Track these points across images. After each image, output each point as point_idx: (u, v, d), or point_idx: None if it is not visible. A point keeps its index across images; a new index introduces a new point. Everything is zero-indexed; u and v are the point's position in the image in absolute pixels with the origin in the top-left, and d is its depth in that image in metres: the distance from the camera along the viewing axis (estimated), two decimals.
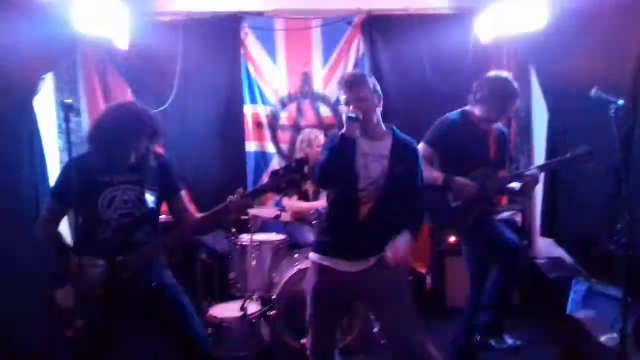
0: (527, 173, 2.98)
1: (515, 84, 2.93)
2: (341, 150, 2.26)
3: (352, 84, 2.33)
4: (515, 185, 2.99)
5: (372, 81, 2.38)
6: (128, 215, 2.24)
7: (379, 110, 2.39)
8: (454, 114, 3.00)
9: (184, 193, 2.44)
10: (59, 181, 2.29)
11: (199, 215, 2.40)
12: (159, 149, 4.08)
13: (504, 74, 2.99)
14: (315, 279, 2.39)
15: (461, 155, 2.90)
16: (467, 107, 3.01)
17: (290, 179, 2.19)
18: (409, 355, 2.31)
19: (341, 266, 2.33)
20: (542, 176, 3.17)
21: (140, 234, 2.25)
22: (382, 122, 2.41)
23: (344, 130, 2.28)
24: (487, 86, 2.91)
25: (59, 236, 2.29)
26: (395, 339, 2.37)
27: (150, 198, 2.26)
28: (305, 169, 2.21)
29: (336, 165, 2.28)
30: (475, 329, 3.04)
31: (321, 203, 3.81)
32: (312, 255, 2.44)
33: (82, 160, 2.25)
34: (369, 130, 2.37)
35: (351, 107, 2.30)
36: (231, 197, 2.22)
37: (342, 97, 2.37)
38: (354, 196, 2.31)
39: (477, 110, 2.94)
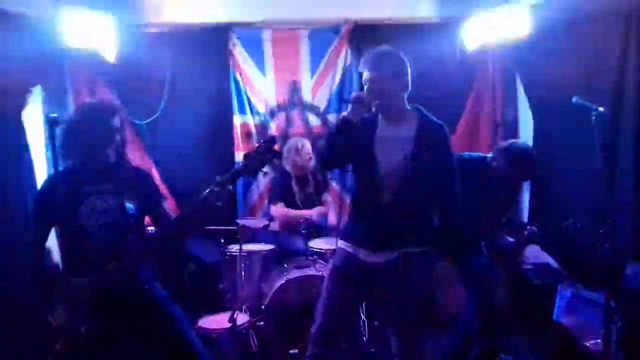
0: None
1: None
2: (340, 132, 2.23)
3: (369, 65, 2.26)
4: None
5: (394, 64, 2.26)
6: (110, 225, 2.22)
7: (403, 94, 2.30)
8: None
9: (166, 204, 2.43)
10: (37, 202, 2.30)
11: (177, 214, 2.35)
12: (146, 160, 4.18)
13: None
14: (336, 261, 2.37)
15: None
16: None
17: (262, 159, 2.16)
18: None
19: (364, 255, 2.29)
20: None
21: (124, 242, 2.22)
22: (406, 106, 2.32)
23: (346, 112, 2.25)
24: None
25: (46, 257, 2.26)
26: (398, 340, 2.34)
27: (130, 206, 2.25)
28: (276, 147, 2.20)
29: (337, 147, 2.25)
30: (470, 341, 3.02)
31: (309, 211, 3.82)
32: (339, 242, 2.42)
33: (56, 177, 2.25)
34: (388, 114, 2.30)
35: (365, 88, 2.27)
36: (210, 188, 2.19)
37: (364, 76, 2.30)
38: (375, 183, 2.25)
39: None
